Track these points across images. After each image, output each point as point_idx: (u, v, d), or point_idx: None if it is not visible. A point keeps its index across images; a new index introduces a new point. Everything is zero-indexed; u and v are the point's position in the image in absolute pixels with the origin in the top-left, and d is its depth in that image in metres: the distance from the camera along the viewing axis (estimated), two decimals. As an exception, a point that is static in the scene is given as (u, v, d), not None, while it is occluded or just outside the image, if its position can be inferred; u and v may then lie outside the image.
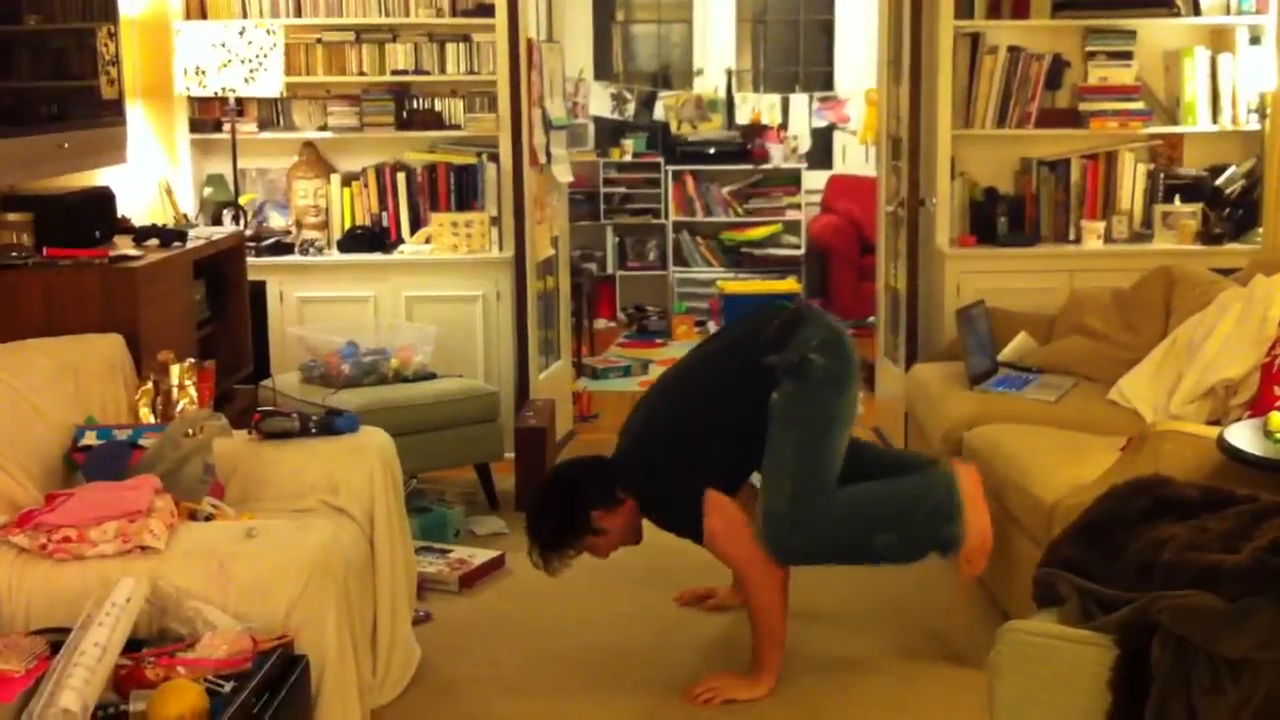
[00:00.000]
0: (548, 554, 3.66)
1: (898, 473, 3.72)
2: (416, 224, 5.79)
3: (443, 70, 5.71)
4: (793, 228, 9.14)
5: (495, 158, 5.68)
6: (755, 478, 3.70)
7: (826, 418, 3.54)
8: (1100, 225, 5.55)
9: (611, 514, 3.65)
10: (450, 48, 5.69)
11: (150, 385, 3.71)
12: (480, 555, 4.49)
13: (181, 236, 4.34)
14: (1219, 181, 5.61)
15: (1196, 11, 5.51)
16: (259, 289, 5.26)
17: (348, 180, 5.82)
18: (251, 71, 5.24)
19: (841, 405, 3.58)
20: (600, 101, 9.26)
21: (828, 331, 3.59)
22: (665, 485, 3.62)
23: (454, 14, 5.65)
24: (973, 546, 3.55)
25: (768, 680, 3.53)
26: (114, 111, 4.44)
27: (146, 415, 3.65)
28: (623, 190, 9.17)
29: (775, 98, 9.38)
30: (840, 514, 3.49)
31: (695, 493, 3.54)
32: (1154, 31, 5.62)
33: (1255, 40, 5.49)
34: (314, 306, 5.62)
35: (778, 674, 3.55)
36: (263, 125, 5.81)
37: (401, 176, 5.78)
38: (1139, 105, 5.56)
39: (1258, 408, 3.73)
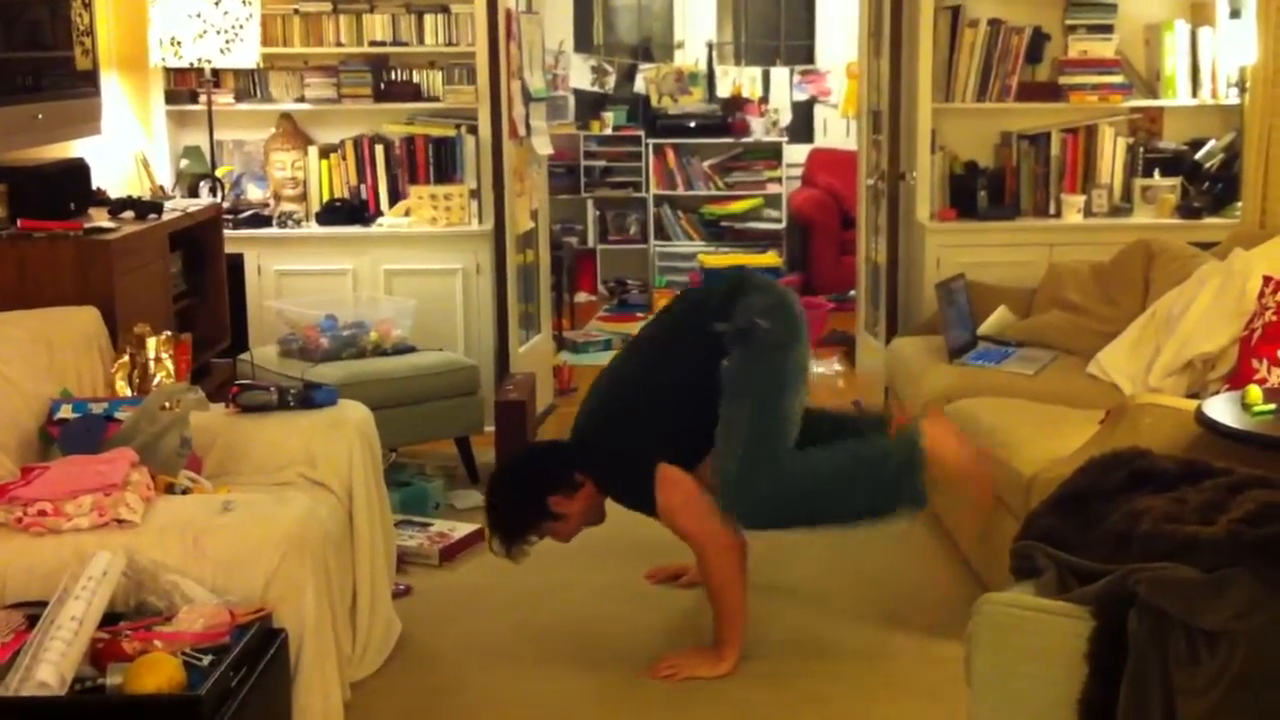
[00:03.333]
0: (508, 543, 3.65)
1: (857, 435, 3.67)
2: (395, 197, 5.76)
3: (421, 41, 5.67)
4: (774, 201, 9.13)
5: (474, 130, 5.65)
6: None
7: (777, 381, 3.50)
8: (1080, 199, 5.55)
9: (571, 498, 3.63)
10: (429, 19, 5.65)
11: (127, 358, 3.69)
12: (460, 529, 4.49)
13: (157, 209, 4.30)
14: (1198, 155, 5.62)
15: (1177, -16, 5.52)
16: (236, 262, 5.23)
17: (325, 152, 5.78)
18: (228, 42, 5.20)
19: (791, 367, 3.52)
20: (580, 74, 9.22)
21: (772, 296, 3.57)
22: (621, 463, 3.60)
23: (432, -15, 5.63)
24: (967, 487, 3.51)
25: (730, 656, 3.51)
26: (89, 82, 4.40)
27: (123, 388, 3.63)
28: (603, 163, 9.13)
29: (756, 71, 9.35)
30: (798, 474, 3.44)
31: (650, 469, 3.52)
32: (1134, 5, 5.62)
33: (1235, 14, 5.49)
34: (292, 279, 5.59)
35: (740, 650, 3.53)
36: (239, 97, 5.77)
37: (380, 149, 5.75)
38: (1119, 79, 5.56)
39: (1236, 381, 3.75)
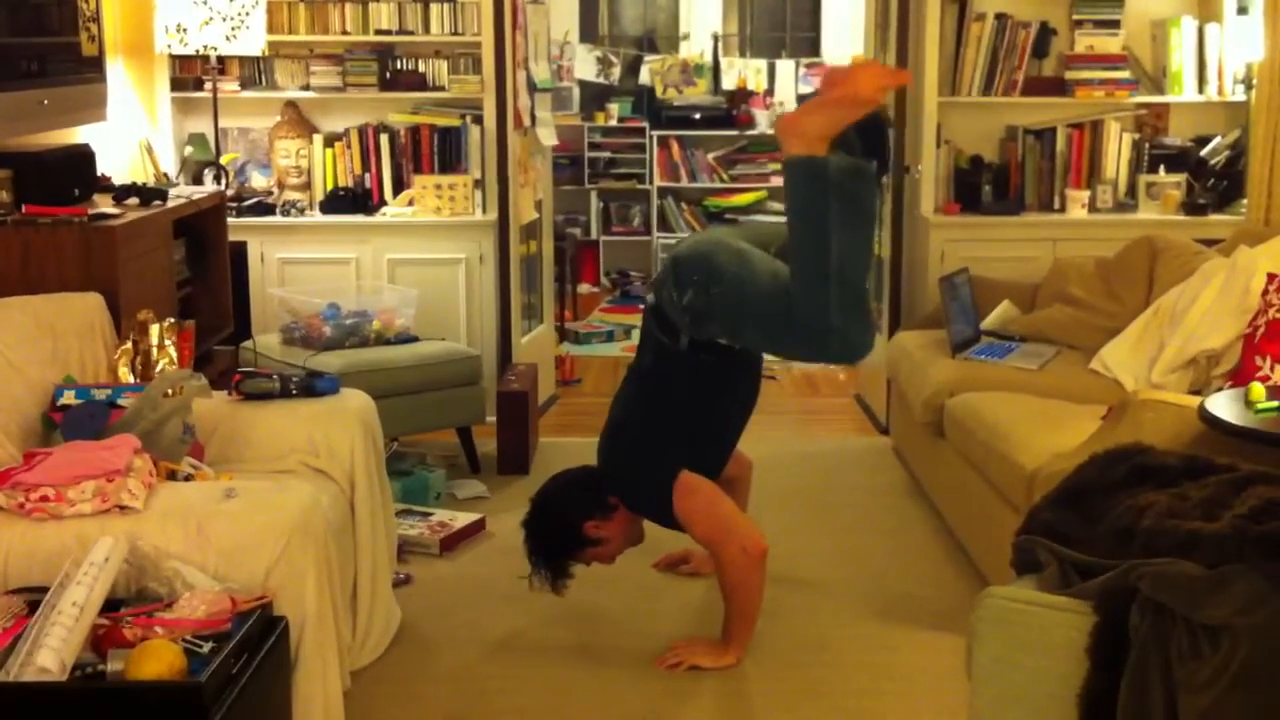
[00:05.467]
0: (553, 574, 3.66)
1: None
2: (399, 186, 5.76)
3: (427, 30, 5.67)
4: (777, 194, 9.12)
5: (479, 120, 5.64)
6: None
7: (747, 276, 3.35)
8: (1085, 194, 5.55)
9: (606, 522, 3.65)
10: (434, 8, 5.64)
11: (129, 345, 3.68)
12: (461, 518, 4.49)
13: (162, 195, 4.30)
14: (1204, 152, 5.61)
15: (1184, -20, 5.51)
16: (240, 249, 5.23)
17: (330, 141, 5.78)
18: (233, 29, 5.19)
19: (745, 262, 3.39)
20: (585, 65, 9.21)
21: (697, 261, 3.41)
22: (640, 480, 3.62)
23: (438, -26, 5.62)
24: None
25: (736, 652, 3.53)
26: (94, 69, 4.40)
27: (126, 375, 3.63)
28: (607, 155, 9.13)
29: (761, 63, 9.34)
30: (815, 266, 3.21)
31: (669, 480, 3.53)
32: (1141, 0, 5.60)
33: (1243, 10, 5.48)
34: (295, 268, 5.59)
35: (746, 647, 3.55)
36: (244, 84, 5.77)
37: (384, 138, 5.75)
38: (1125, 74, 5.55)
39: (1239, 378, 3.74)
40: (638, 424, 3.65)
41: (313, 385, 3.67)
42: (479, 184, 5.66)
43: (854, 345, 3.31)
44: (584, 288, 8.80)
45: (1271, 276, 3.88)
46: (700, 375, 3.53)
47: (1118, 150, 5.60)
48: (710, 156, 9.10)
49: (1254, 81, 5.12)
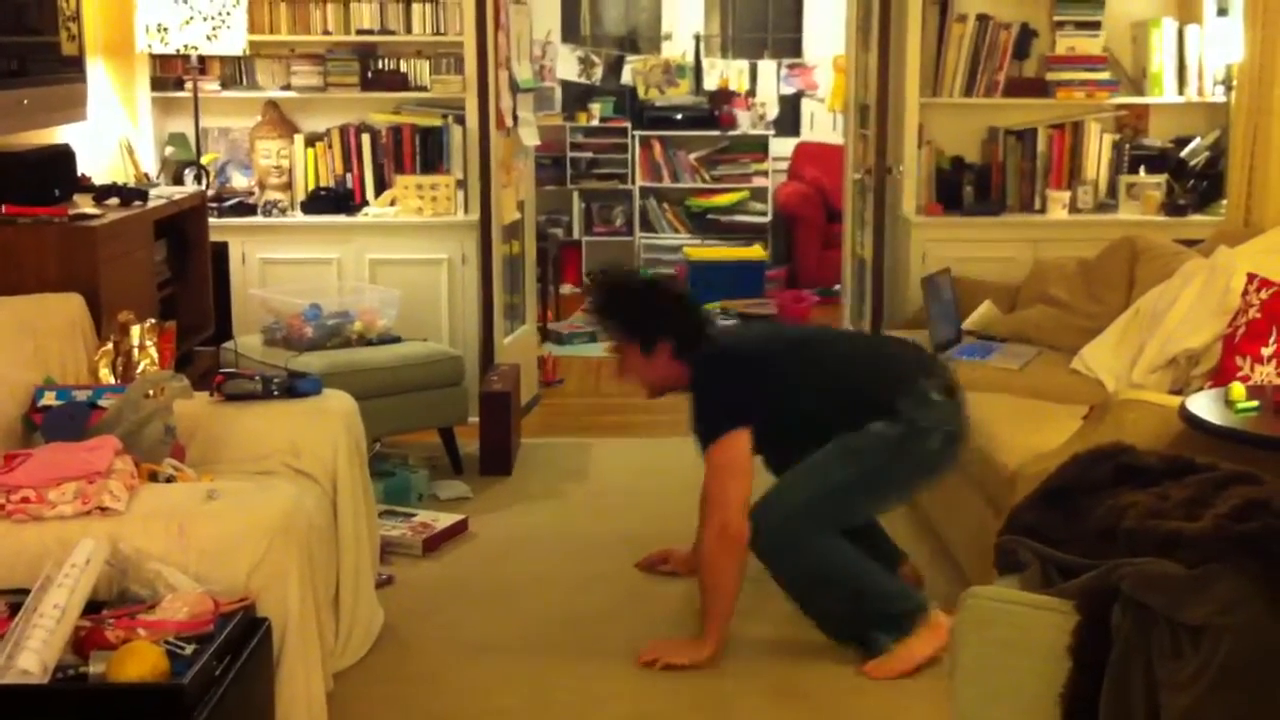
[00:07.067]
0: (604, 315, 3.69)
1: (880, 554, 3.71)
2: (381, 186, 5.74)
3: (408, 30, 5.66)
4: (760, 194, 9.13)
5: (461, 120, 5.64)
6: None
7: (887, 484, 3.55)
8: (1065, 195, 5.56)
9: (668, 359, 3.61)
10: (416, 7, 5.63)
11: (110, 346, 3.67)
12: (443, 519, 4.48)
13: (142, 196, 4.28)
14: (1184, 153, 5.64)
15: (1164, -19, 5.53)
16: (221, 250, 5.21)
17: (311, 141, 5.76)
18: (214, 29, 5.18)
19: (906, 487, 3.63)
20: (567, 65, 9.20)
21: (962, 426, 3.59)
22: (731, 387, 3.54)
23: (420, -27, 5.61)
24: (891, 665, 3.46)
25: (710, 646, 3.51)
26: (74, 68, 4.38)
27: (106, 376, 3.62)
28: (589, 155, 9.13)
29: (743, 64, 9.35)
30: (821, 555, 3.46)
31: (741, 418, 3.47)
32: (1122, 1, 5.63)
33: (1223, 11, 5.50)
34: (277, 268, 5.57)
35: (723, 638, 3.54)
36: (225, 84, 5.75)
37: (366, 138, 5.73)
38: (1106, 75, 5.57)
39: (1219, 378, 3.76)
40: (793, 360, 3.61)
41: (295, 386, 3.66)
42: (461, 184, 5.65)
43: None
44: (566, 288, 8.79)
45: (1251, 277, 3.90)
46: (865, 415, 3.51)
47: (1098, 151, 5.62)
48: (692, 157, 9.10)
49: (1234, 83, 5.14)
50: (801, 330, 3.78)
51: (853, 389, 3.55)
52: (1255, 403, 3.27)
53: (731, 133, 9.09)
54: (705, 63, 9.31)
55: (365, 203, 5.73)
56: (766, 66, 9.33)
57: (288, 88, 5.74)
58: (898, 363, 3.67)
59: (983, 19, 5.54)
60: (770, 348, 3.67)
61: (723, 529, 3.47)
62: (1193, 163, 5.61)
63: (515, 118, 5.92)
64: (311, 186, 5.75)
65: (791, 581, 3.56)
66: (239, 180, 5.83)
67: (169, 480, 3.15)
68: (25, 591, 2.55)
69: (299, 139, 5.76)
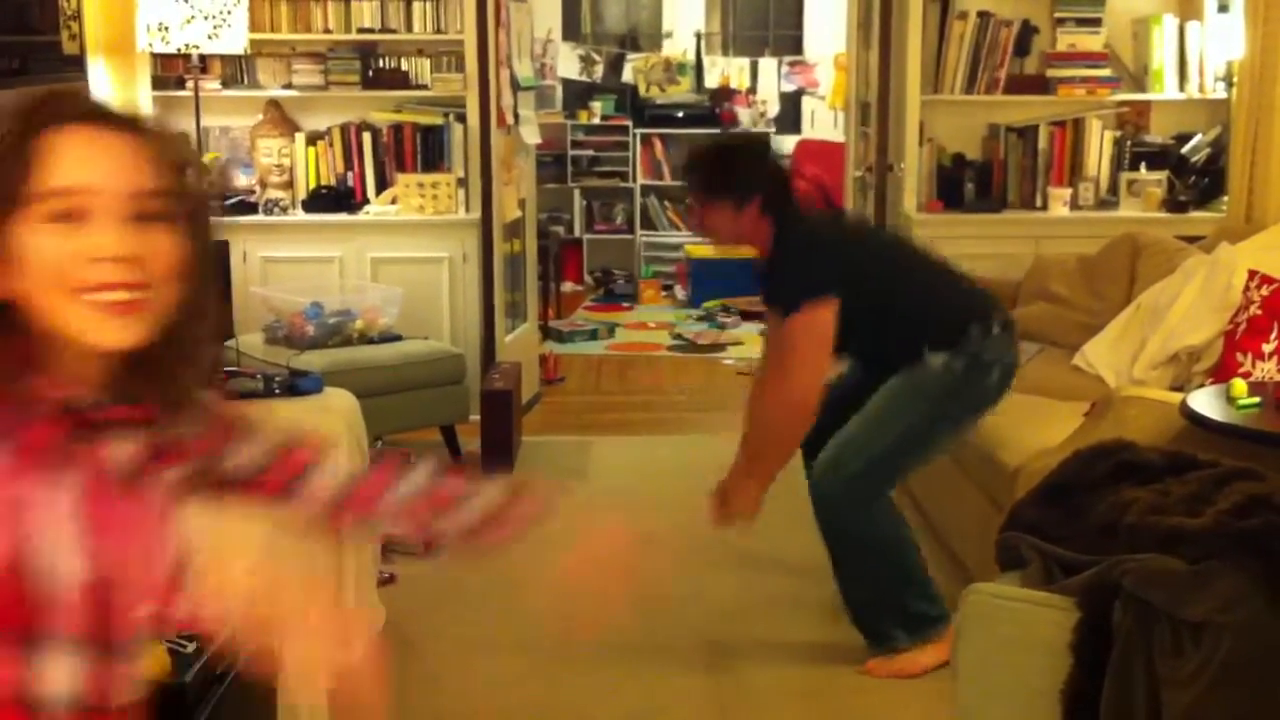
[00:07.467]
0: (697, 170, 3.58)
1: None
2: (382, 184, 5.74)
3: (409, 29, 5.66)
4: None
5: (462, 118, 5.63)
6: None
7: (945, 426, 3.52)
8: (1066, 192, 5.56)
9: (756, 215, 3.51)
10: (417, 6, 5.63)
11: (112, 344, 3.67)
12: (445, 517, 4.47)
13: (144, 194, 4.28)
14: (1185, 149, 5.63)
15: (1165, -22, 5.52)
16: (222, 249, 5.21)
17: (312, 139, 5.76)
18: (215, 28, 5.17)
19: (962, 425, 3.56)
20: (568, 63, 9.20)
21: (1017, 359, 3.60)
22: (824, 259, 3.48)
23: (421, -28, 5.61)
24: (895, 666, 3.48)
25: (758, 484, 3.51)
26: (75, 67, 4.38)
27: (108, 374, 3.62)
28: (590, 153, 9.13)
29: (744, 61, 9.35)
30: (879, 525, 3.47)
31: (829, 284, 3.39)
32: (1122, -2, 5.63)
33: (1224, 8, 5.49)
34: (278, 267, 5.57)
35: (765, 484, 3.52)
36: (226, 83, 5.75)
37: (367, 136, 5.73)
38: (1107, 72, 5.56)
39: (1220, 374, 3.76)
40: (894, 251, 3.67)
41: (296, 384, 3.66)
42: (462, 182, 5.65)
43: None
44: (567, 286, 8.80)
45: (1252, 273, 3.90)
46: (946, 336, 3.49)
47: (1099, 148, 5.62)
48: (693, 155, 9.09)
49: (1235, 79, 5.14)
50: (895, 233, 3.79)
51: (930, 302, 3.55)
52: (1256, 399, 3.27)
53: (733, 130, 9.08)
54: (706, 60, 9.31)
55: (366, 201, 5.73)
56: (767, 64, 9.33)
57: (289, 86, 5.74)
58: (970, 293, 3.65)
59: (983, 16, 5.53)
60: (865, 239, 3.70)
61: (790, 394, 3.43)
62: (1194, 159, 5.60)
63: (516, 116, 5.92)
64: (313, 185, 5.75)
65: (842, 544, 3.52)
66: (240, 179, 5.83)
67: (170, 479, 3.14)
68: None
69: (300, 138, 5.76)
